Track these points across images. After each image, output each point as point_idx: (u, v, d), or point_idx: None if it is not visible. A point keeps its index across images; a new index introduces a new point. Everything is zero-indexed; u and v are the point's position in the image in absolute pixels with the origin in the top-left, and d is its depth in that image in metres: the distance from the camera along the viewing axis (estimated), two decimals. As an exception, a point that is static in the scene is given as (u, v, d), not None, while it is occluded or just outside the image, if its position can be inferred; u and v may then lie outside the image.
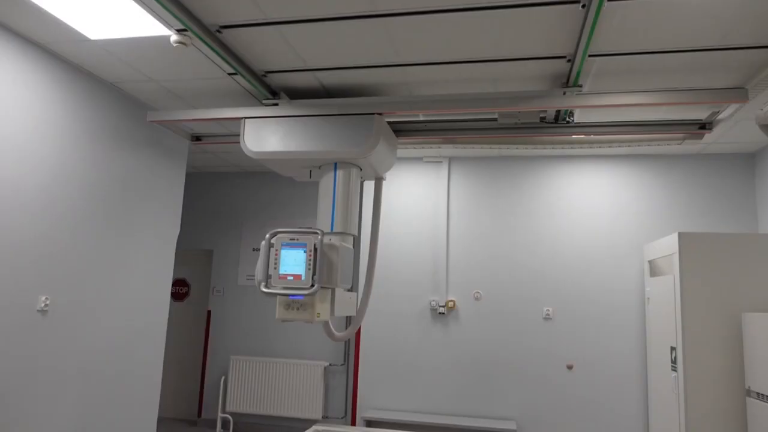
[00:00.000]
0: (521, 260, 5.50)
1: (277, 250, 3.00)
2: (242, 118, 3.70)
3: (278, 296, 3.02)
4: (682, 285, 4.06)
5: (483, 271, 5.55)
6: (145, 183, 4.56)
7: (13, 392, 3.37)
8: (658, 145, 4.33)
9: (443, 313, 5.52)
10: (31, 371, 3.48)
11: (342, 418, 5.92)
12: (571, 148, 5.03)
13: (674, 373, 4.15)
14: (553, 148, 5.06)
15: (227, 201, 6.73)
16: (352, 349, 5.93)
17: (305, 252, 2.96)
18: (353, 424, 5.54)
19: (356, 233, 3.44)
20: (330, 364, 6.05)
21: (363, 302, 3.63)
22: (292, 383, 6.01)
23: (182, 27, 3.00)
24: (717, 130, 4.39)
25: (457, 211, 5.71)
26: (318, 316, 2.99)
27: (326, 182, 3.42)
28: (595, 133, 4.05)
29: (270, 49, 3.28)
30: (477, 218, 5.66)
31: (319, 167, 3.52)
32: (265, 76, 3.64)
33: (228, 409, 6.07)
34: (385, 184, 5.86)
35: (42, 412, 3.57)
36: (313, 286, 2.91)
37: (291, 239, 3.00)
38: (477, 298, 5.51)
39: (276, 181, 6.61)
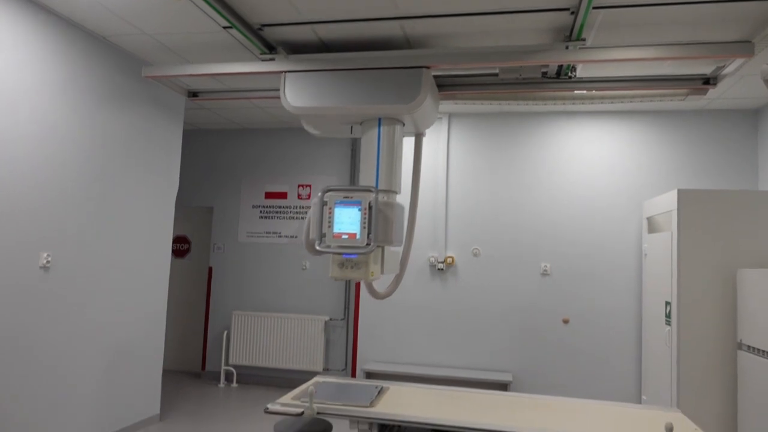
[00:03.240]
0: (520, 217, 5.52)
1: (330, 208, 2.92)
2: (242, 73, 3.61)
3: (332, 255, 2.95)
4: (680, 241, 4.09)
5: (482, 227, 5.58)
6: (141, 139, 4.53)
7: (18, 346, 3.44)
8: (661, 100, 4.27)
9: (442, 269, 5.58)
10: (36, 326, 3.55)
11: (342, 370, 6.07)
12: (573, 104, 4.96)
13: (668, 327, 4.24)
14: (554, 103, 4.99)
15: (226, 158, 6.70)
16: (351, 303, 6.02)
17: (360, 210, 2.88)
18: (353, 376, 5.70)
19: (400, 191, 3.35)
20: (330, 319, 6.16)
21: (404, 258, 3.58)
22: (293, 337, 6.14)
23: (175, -22, 2.91)
24: (721, 86, 4.33)
25: (457, 168, 5.69)
26: (371, 275, 2.94)
27: (369, 139, 3.30)
28: (597, 89, 3.99)
29: (264, 0, 3.19)
30: (476, 174, 5.64)
31: (361, 123, 3.40)
32: (261, 29, 3.55)
33: (231, 362, 6.22)
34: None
35: (46, 366, 3.66)
36: (368, 245, 2.85)
37: (345, 197, 2.91)
38: (476, 255, 5.56)
39: (274, 137, 6.56)
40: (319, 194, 2.95)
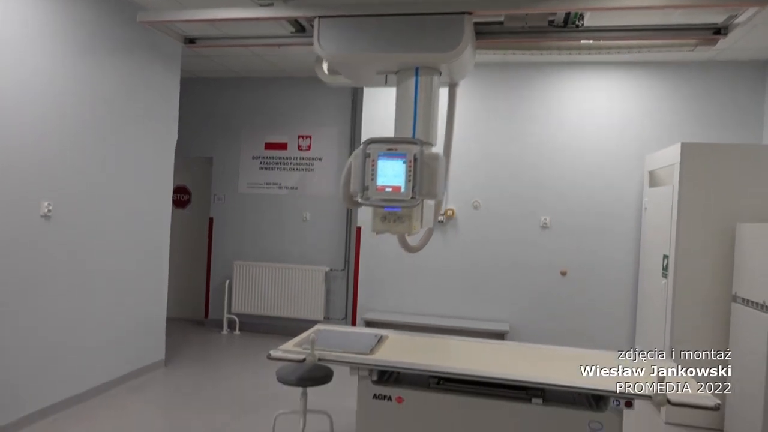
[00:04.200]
0: (521, 169, 5.49)
1: (373, 160, 2.83)
2: (240, 19, 3.49)
3: (374, 209, 2.90)
4: (681, 195, 4.08)
5: (482, 179, 5.56)
6: (139, 87, 4.45)
7: (21, 295, 3.49)
8: (669, 51, 4.17)
9: (442, 222, 5.60)
10: (38, 275, 3.59)
11: (342, 319, 6.19)
12: (579, 54, 4.84)
13: (664, 280, 4.29)
14: (559, 53, 4.86)
15: (225, 107, 6.61)
16: (352, 254, 6.08)
17: (404, 163, 2.80)
18: (353, 325, 5.81)
19: (436, 143, 3.23)
20: (331, 269, 6.23)
21: (436, 211, 3.50)
22: (294, 287, 6.23)
23: None
24: (732, 36, 4.20)
25: (458, 119, 5.60)
26: (414, 229, 2.90)
27: (405, 89, 3.14)
28: (605, 38, 3.88)
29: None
30: (477, 126, 5.58)
31: (396, 72, 3.22)
32: (258, -28, 3.42)
33: (233, 310, 6.34)
34: (383, 91, 5.71)
35: (50, 313, 3.73)
36: (413, 198, 2.79)
37: (389, 149, 2.83)
38: (476, 207, 5.56)
39: (273, 87, 6.45)
40: (361, 146, 2.87)
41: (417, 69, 3.11)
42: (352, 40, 3.13)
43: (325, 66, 3.75)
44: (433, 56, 3.03)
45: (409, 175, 2.80)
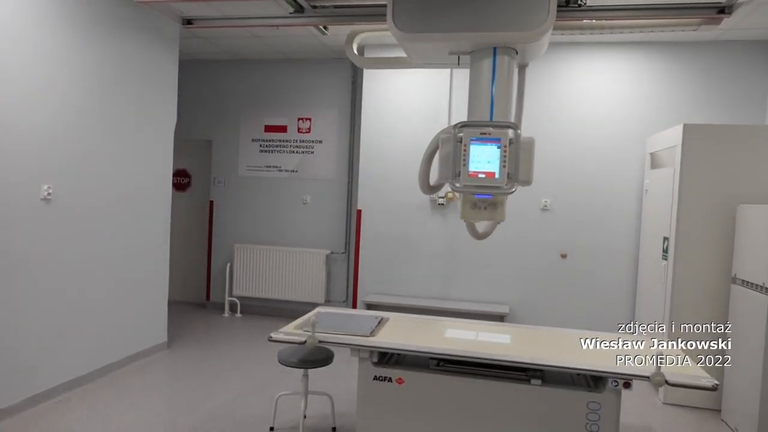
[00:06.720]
0: (522, 152, 5.45)
1: (465, 145, 2.72)
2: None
3: (463, 196, 2.82)
4: (682, 177, 4.06)
5: (483, 162, 5.52)
6: (137, 69, 4.41)
7: (22, 278, 3.50)
8: (673, 30, 4.12)
9: (443, 204, 5.59)
10: (40, 258, 3.60)
11: (343, 302, 6.22)
12: (581, 34, 4.78)
13: (664, 262, 4.29)
14: (561, 33, 4.81)
15: (224, 90, 6.56)
16: (352, 237, 6.08)
17: (499, 148, 2.69)
18: (354, 307, 5.83)
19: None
20: (331, 252, 6.24)
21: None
22: (295, 270, 6.24)
23: None
24: (736, 15, 4.15)
25: (459, 101, 5.56)
26: (504, 216, 2.83)
27: (480, 70, 2.97)
28: (607, 18, 3.83)
29: None
30: (479, 109, 5.53)
31: (471, 52, 3.04)
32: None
33: (234, 293, 6.36)
34: (385, 75, 5.66)
35: (53, 296, 3.74)
36: (509, 184, 2.69)
37: (482, 134, 2.72)
38: (476, 190, 5.54)
39: (272, 69, 6.39)
40: (453, 130, 2.76)
41: (495, 49, 2.92)
42: (430, 19, 2.90)
43: (355, 47, 3.65)
44: (516, 35, 2.82)
45: (504, 161, 2.69)
